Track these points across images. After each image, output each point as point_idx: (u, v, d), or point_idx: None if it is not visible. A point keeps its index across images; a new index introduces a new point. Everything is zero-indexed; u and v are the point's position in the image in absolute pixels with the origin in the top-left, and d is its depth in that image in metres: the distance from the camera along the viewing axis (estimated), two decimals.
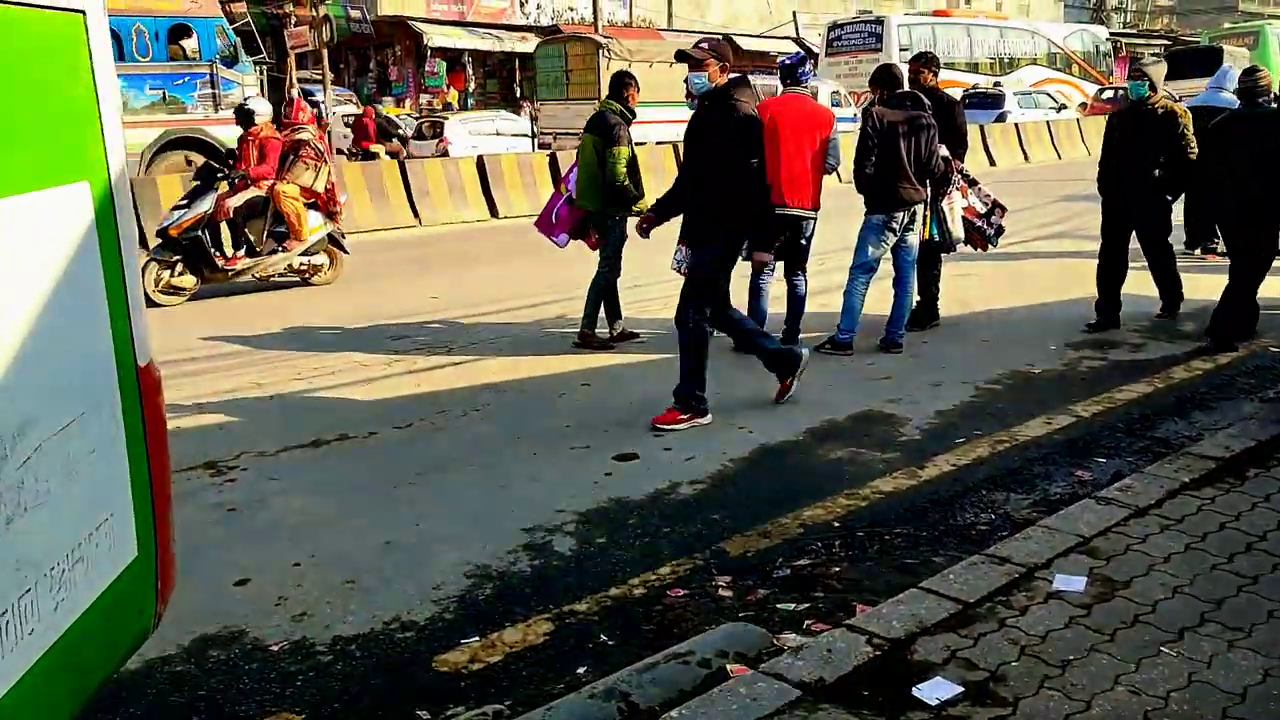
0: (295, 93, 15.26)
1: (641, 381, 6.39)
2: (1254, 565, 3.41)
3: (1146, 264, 7.62)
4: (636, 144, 7.29)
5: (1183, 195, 8.35)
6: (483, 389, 6.32)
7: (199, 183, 9.35)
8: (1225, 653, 2.91)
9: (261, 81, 16.71)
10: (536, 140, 21.96)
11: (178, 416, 5.60)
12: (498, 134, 21.94)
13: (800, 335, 7.00)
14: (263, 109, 9.72)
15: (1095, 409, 5.58)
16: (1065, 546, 3.51)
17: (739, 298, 6.87)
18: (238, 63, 15.62)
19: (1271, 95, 7.20)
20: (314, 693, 3.08)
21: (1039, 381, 6.16)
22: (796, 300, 6.96)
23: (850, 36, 29.35)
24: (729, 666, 2.96)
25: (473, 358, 7.11)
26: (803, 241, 6.83)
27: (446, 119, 22.45)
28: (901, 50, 26.43)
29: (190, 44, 15.15)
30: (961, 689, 2.74)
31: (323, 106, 19.02)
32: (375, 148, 20.09)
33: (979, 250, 7.46)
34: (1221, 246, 10.10)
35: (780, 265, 6.95)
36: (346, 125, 22.07)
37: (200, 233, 8.96)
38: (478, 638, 3.34)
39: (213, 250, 9.09)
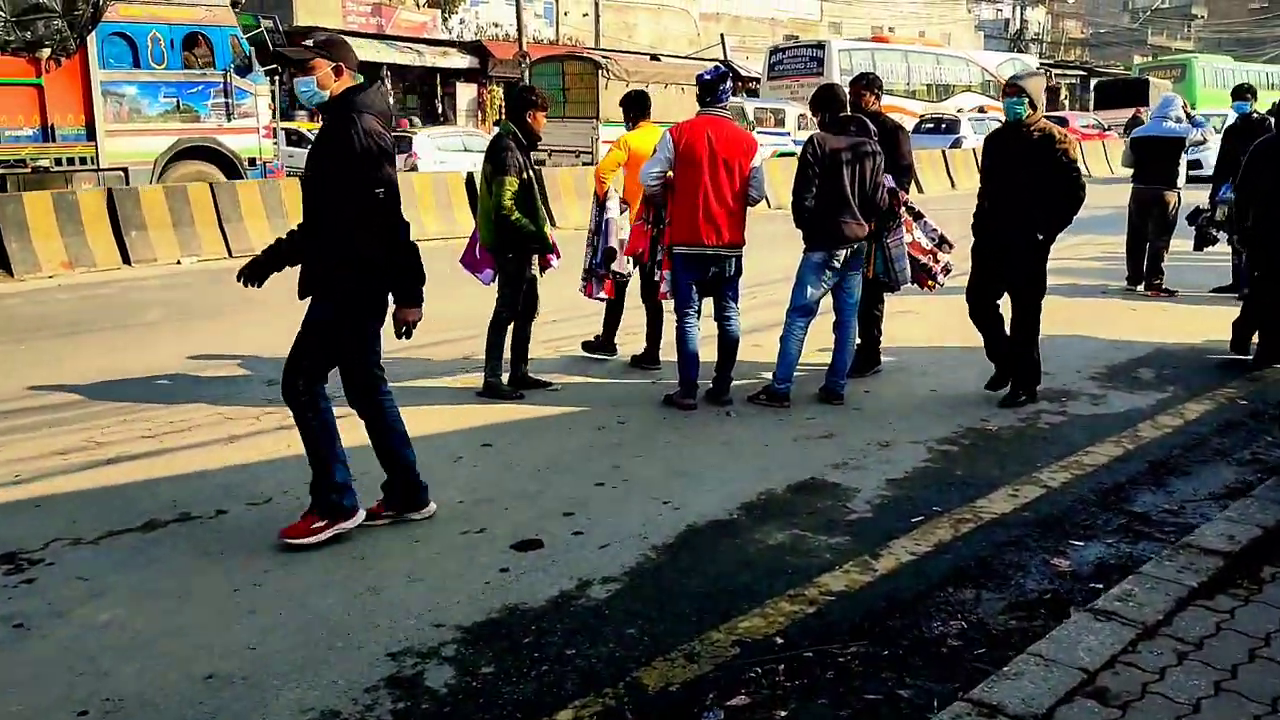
0: None
1: (552, 440, 5.58)
2: None
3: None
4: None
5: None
6: (366, 451, 5.42)
7: None
8: None
9: (273, 92, 16.45)
10: None
11: None
12: (465, 150, 21.11)
13: (733, 383, 6.28)
14: None
15: (1063, 477, 4.92)
16: (1067, 687, 2.79)
17: (667, 336, 6.11)
18: (251, 71, 15.33)
19: None
20: None
21: (997, 441, 5.50)
22: (729, 342, 6.23)
23: (791, 61, 29.38)
24: None
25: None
26: (730, 280, 6.11)
27: (414, 134, 21.66)
28: (842, 74, 26.58)
29: (203, 52, 14.87)
30: None
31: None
32: None
33: (926, 290, 6.82)
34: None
35: (709, 304, 6.24)
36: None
37: None
38: None
39: None
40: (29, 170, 13.06)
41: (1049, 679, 2.82)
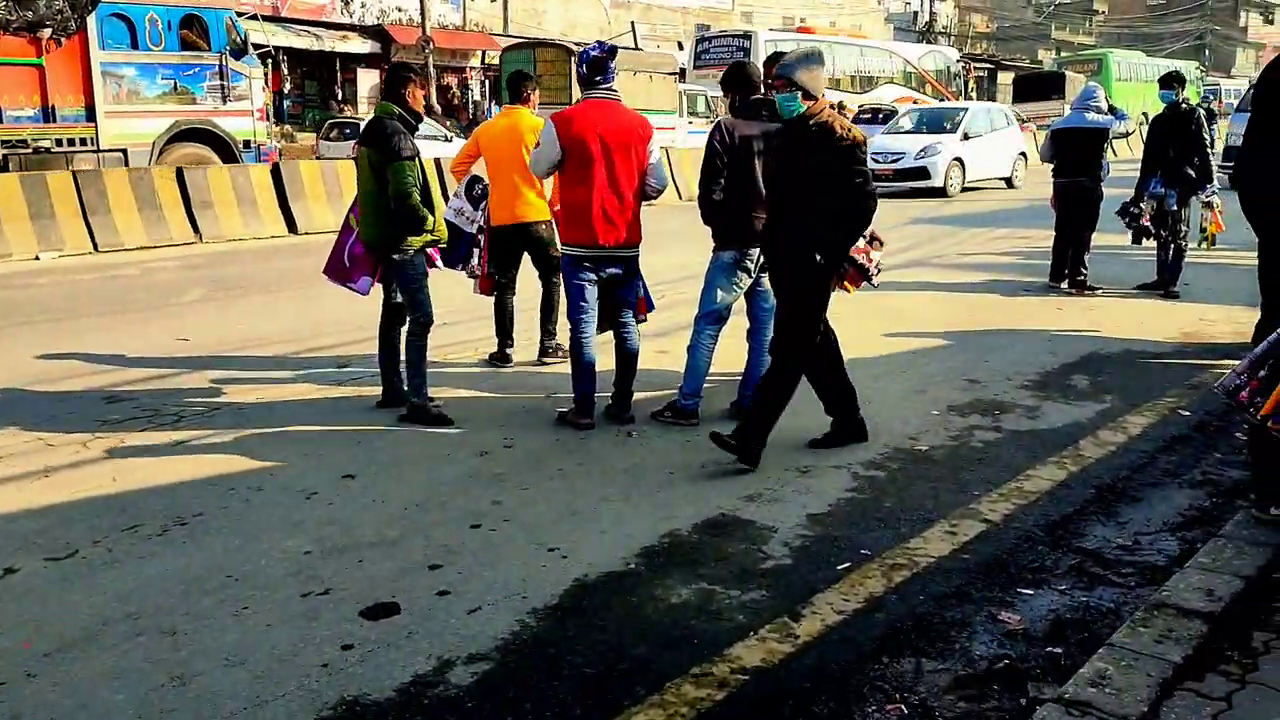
0: None
1: (426, 468, 4.85)
2: None
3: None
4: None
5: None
6: (205, 486, 4.63)
7: None
8: None
9: (266, 75, 16.97)
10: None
11: None
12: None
13: (634, 396, 5.62)
14: None
15: (1004, 507, 4.37)
16: None
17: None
18: (245, 54, 15.49)
19: None
20: None
21: (928, 464, 4.92)
22: (627, 353, 5.57)
23: (718, 50, 29.30)
24: None
25: (207, 433, 5.40)
26: (628, 282, 5.45)
27: (359, 121, 20.99)
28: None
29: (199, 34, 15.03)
30: None
31: None
32: None
33: (847, 291, 6.20)
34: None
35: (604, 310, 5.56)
36: None
37: None
38: None
39: None
40: (31, 151, 13.05)
41: None
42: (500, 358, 6.76)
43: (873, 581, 3.65)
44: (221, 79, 15.06)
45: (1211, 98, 31.75)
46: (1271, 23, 70.25)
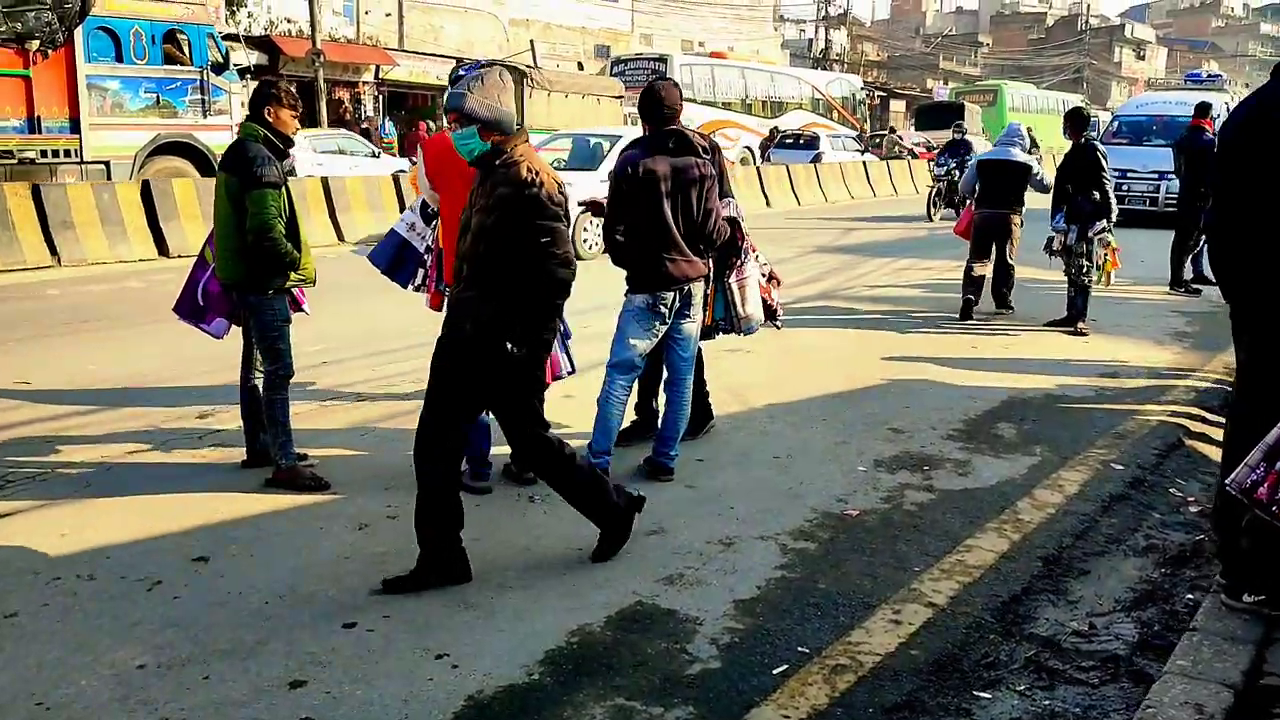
0: None
1: (294, 547, 4.20)
2: None
3: None
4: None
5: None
6: (25, 576, 3.89)
7: None
8: None
9: (245, 89, 16.87)
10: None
11: None
12: (340, 152, 20.03)
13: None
14: None
15: (949, 586, 3.94)
16: None
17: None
18: (225, 70, 15.74)
19: None
20: None
21: (861, 532, 4.48)
22: None
23: (633, 73, 29.46)
24: None
25: (34, 504, 4.64)
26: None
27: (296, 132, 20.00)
28: (684, 88, 26.62)
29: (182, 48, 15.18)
30: None
31: None
32: None
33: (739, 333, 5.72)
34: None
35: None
36: None
37: None
38: None
39: None
40: (15, 161, 12.82)
41: None
42: None
43: (815, 690, 3.17)
44: (202, 94, 15.24)
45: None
46: (1143, 59, 73.59)
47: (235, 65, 16.18)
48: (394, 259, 5.34)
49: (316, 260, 5.13)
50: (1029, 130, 11.09)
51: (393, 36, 39.21)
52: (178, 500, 4.70)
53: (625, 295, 4.97)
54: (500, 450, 5.00)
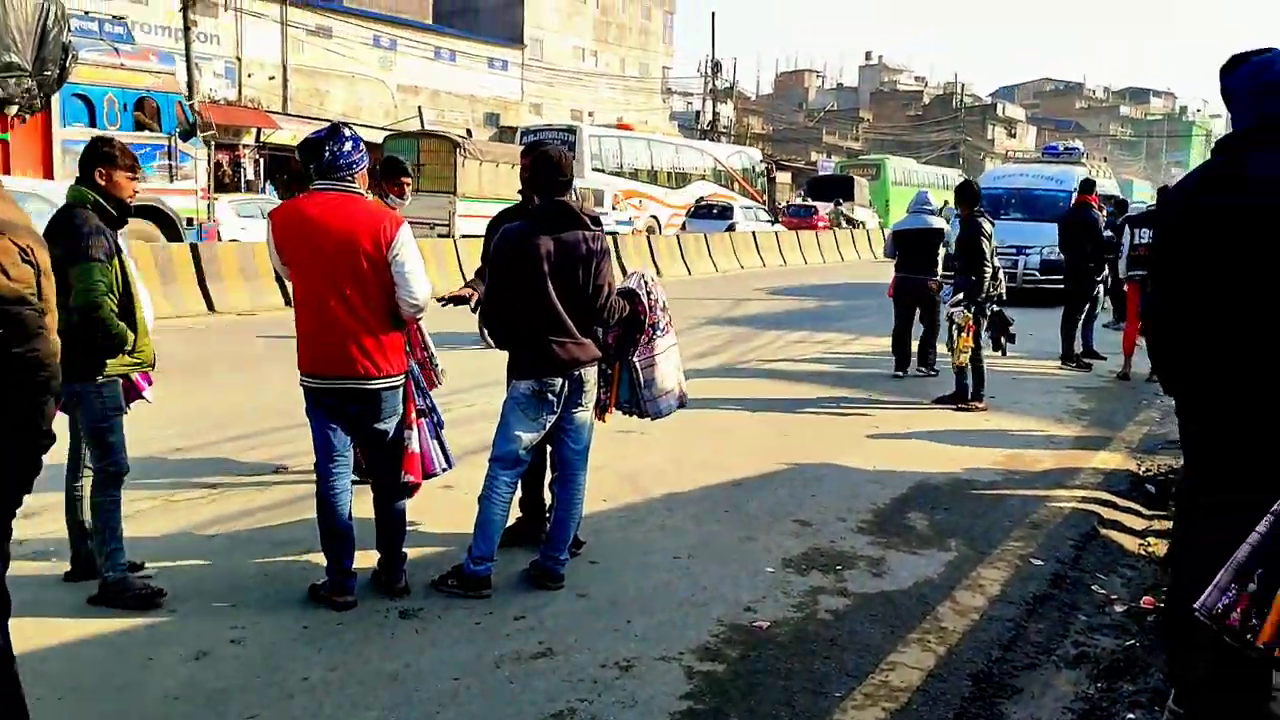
0: None
1: (116, 681, 3.52)
2: None
3: None
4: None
5: None
6: None
7: None
8: None
9: (209, 156, 17.84)
10: None
11: None
12: (264, 216, 19.20)
13: (408, 557, 4.49)
14: None
15: (875, 715, 3.51)
16: None
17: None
18: (193, 136, 16.22)
19: None
20: None
21: (773, 649, 4.02)
22: (390, 513, 4.41)
23: None
24: None
25: None
26: (379, 427, 4.31)
27: (217, 199, 20.27)
28: (592, 159, 27.67)
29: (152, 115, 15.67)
30: None
31: None
32: None
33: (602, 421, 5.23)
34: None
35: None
36: None
37: None
38: None
39: None
40: None
41: None
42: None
43: None
44: (170, 159, 15.68)
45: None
46: (1014, 136, 77.19)
47: (202, 133, 16.83)
48: None
49: (180, 332, 4.50)
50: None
51: (277, 99, 38.34)
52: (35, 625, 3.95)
53: (509, 382, 4.48)
54: (368, 563, 4.42)
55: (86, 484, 4.35)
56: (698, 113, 58.49)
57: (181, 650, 3.83)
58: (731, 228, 28.23)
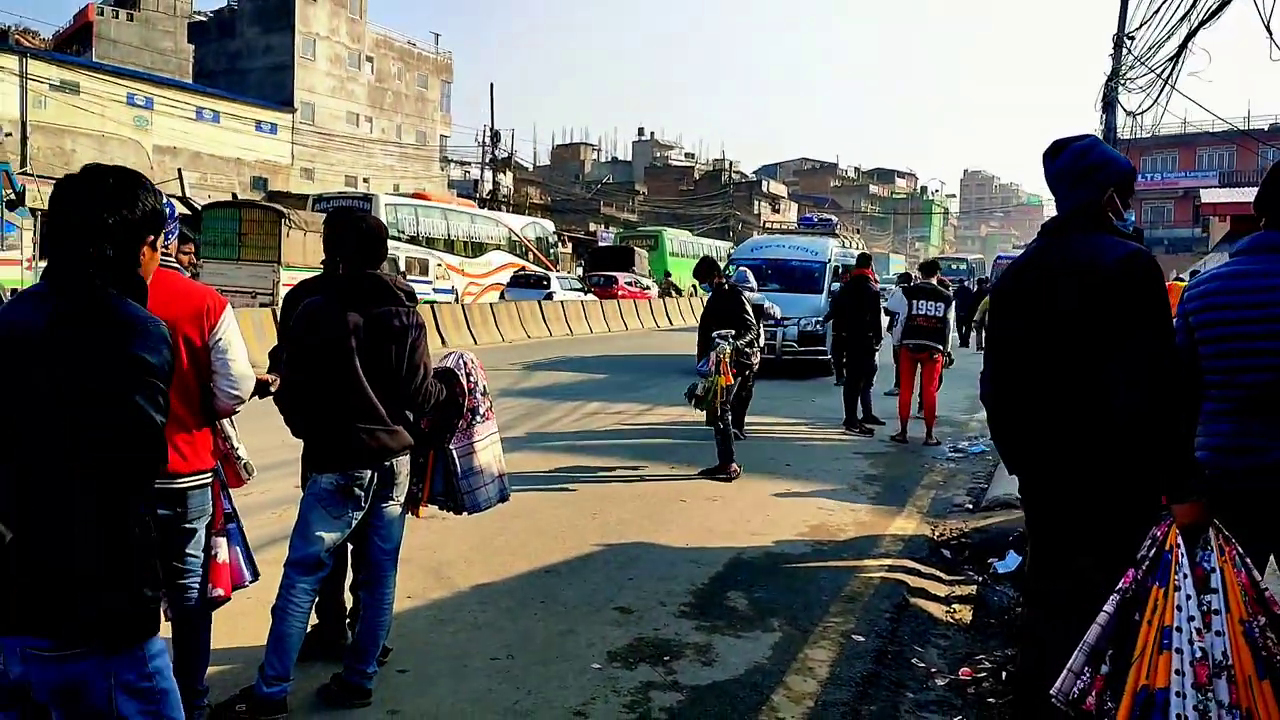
0: None
1: None
2: None
3: None
4: None
5: None
6: None
7: None
8: None
9: (35, 226, 17.45)
10: None
11: None
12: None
13: (205, 685, 3.89)
14: None
15: None
16: None
17: None
18: (20, 207, 16.11)
19: None
20: None
21: None
22: (193, 634, 3.82)
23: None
24: None
25: None
26: (188, 526, 3.76)
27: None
28: (390, 227, 26.83)
29: None
30: None
31: None
32: None
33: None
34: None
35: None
36: None
37: None
38: None
39: None
40: None
41: None
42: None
43: None
44: None
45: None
46: (778, 211, 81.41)
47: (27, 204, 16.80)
48: None
49: None
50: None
51: (15, 158, 35.30)
52: None
53: (307, 476, 4.03)
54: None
55: None
56: (475, 181, 58.38)
57: None
58: (549, 296, 29.18)
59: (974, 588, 6.04)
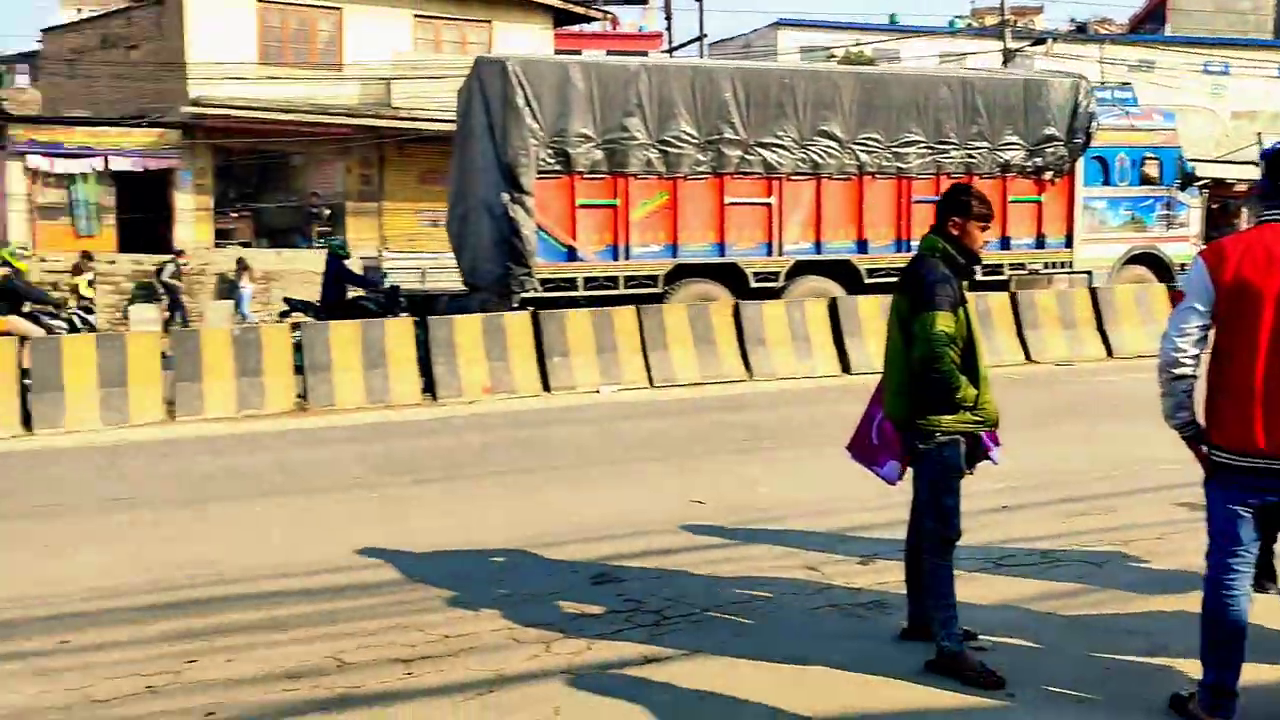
0: None
1: None
2: None
3: None
4: None
5: None
6: None
7: None
8: None
9: (1202, 205, 18.39)
10: None
11: None
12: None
13: None
14: None
15: None
16: None
17: None
18: (1190, 187, 17.08)
19: None
20: None
21: None
22: None
23: None
24: None
25: (685, 652, 4.31)
26: None
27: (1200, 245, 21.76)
28: None
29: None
30: None
31: None
32: None
33: None
34: None
35: None
36: None
37: None
38: None
39: None
40: (1026, 272, 15.33)
41: None
42: None
43: None
44: (1168, 209, 16.56)
45: None
46: None
47: (1197, 183, 17.54)
48: None
49: (995, 383, 4.22)
50: None
51: (1188, 147, 36.85)
52: (818, 675, 4.04)
53: None
54: (1253, 679, 3.55)
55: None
56: None
57: None
58: None
59: None
